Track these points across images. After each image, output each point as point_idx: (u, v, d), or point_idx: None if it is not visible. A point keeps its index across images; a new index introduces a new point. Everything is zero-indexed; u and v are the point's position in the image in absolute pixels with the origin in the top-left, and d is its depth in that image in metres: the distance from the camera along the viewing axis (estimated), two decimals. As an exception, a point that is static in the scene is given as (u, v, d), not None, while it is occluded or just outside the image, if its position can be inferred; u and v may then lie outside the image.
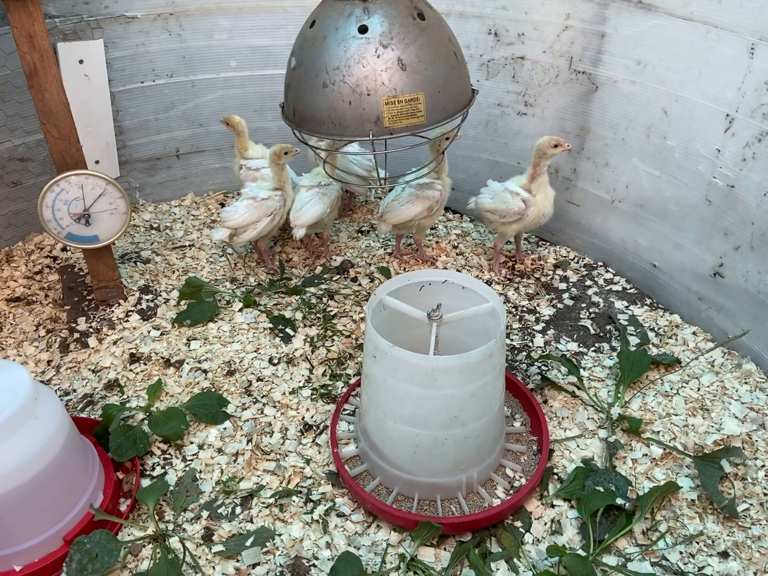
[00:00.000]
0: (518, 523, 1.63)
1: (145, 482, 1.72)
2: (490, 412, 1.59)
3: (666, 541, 1.58)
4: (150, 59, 2.58)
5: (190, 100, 2.72)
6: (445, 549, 1.58)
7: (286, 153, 2.30)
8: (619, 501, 1.62)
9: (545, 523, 1.63)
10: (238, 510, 1.67)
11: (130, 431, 1.76)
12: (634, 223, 2.32)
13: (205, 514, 1.65)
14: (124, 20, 2.48)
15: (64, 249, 2.60)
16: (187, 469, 1.76)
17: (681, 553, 1.55)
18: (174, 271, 2.49)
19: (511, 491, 1.68)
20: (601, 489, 1.64)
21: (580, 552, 1.55)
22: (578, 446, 1.81)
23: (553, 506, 1.67)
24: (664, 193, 2.16)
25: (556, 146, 2.16)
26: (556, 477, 1.73)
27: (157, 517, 1.63)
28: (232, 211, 2.34)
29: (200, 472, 1.76)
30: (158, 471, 1.76)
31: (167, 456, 1.80)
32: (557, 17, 2.23)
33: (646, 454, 1.77)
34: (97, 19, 2.42)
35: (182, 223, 2.78)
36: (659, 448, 1.77)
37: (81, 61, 2.40)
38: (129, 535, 1.59)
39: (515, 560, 1.55)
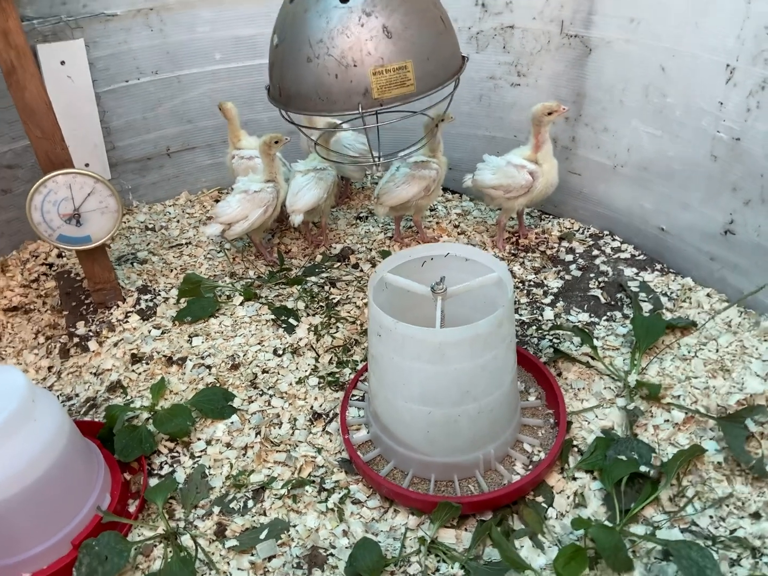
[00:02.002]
0: (540, 499, 1.57)
1: (153, 482, 1.67)
2: (503, 385, 1.53)
3: (694, 506, 1.52)
4: (133, 57, 2.54)
5: (177, 97, 2.67)
6: (466, 530, 1.53)
7: (276, 142, 2.25)
8: (643, 468, 1.56)
9: (568, 497, 1.58)
10: (250, 504, 1.62)
11: (135, 431, 1.72)
12: (639, 187, 2.25)
13: (216, 509, 1.60)
14: (104, 18, 2.43)
15: (59, 255, 2.56)
16: (196, 465, 1.71)
17: (711, 517, 1.49)
18: (172, 270, 2.44)
19: (531, 466, 1.63)
20: (624, 458, 1.59)
21: (607, 523, 1.49)
22: (597, 416, 1.75)
23: (574, 479, 1.61)
24: (667, 153, 2.10)
25: (549, 113, 2.10)
26: (575, 449, 1.68)
27: (167, 516, 1.58)
28: (225, 205, 2.29)
29: (209, 468, 1.71)
30: (166, 470, 1.71)
31: (174, 454, 1.76)
32: (545, -19, 2.17)
33: (668, 420, 1.71)
34: (77, 19, 2.38)
35: (177, 221, 2.74)
36: (681, 412, 1.71)
37: (63, 62, 2.36)
38: (139, 536, 1.54)
39: (539, 536, 1.49)
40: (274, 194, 2.31)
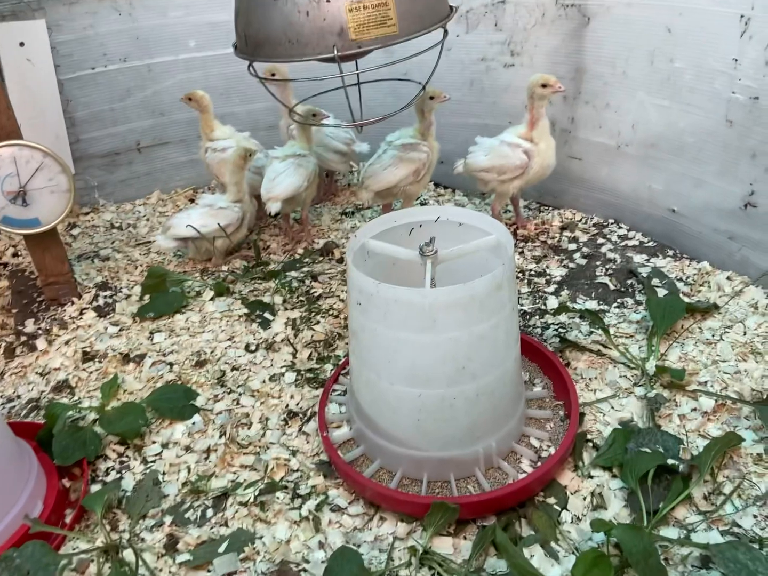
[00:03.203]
0: (551, 500, 1.33)
1: (97, 489, 1.42)
2: (505, 362, 1.31)
3: (734, 504, 1.28)
4: (100, 42, 2.38)
5: (148, 87, 2.50)
6: (464, 538, 1.28)
7: (250, 155, 2.10)
8: (671, 462, 1.33)
9: (584, 498, 1.34)
10: (209, 513, 1.37)
11: (78, 432, 1.48)
12: (646, 167, 2.07)
13: (168, 519, 1.35)
14: (68, 1, 2.28)
15: (15, 255, 2.34)
16: (148, 471, 1.47)
17: (755, 516, 1.26)
18: (137, 267, 2.22)
19: (539, 463, 1.39)
20: (648, 450, 1.35)
21: (633, 526, 1.25)
22: (612, 407, 1.53)
23: (591, 477, 1.37)
24: (677, 125, 1.92)
25: (544, 86, 1.93)
26: (590, 444, 1.44)
27: (109, 527, 1.33)
28: (184, 218, 2.10)
29: (164, 473, 1.46)
30: (113, 476, 1.47)
31: (124, 459, 1.51)
32: (537, -52, 2.03)
33: (695, 408, 1.48)
34: (38, 0, 2.22)
35: (147, 220, 2.53)
36: (710, 399, 1.48)
37: (22, 44, 2.19)
38: (74, 549, 1.29)
39: (552, 544, 1.24)
40: (240, 214, 2.13)
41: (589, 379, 1.61)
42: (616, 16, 1.95)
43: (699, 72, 1.80)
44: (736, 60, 1.70)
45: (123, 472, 1.47)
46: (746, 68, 1.68)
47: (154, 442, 1.54)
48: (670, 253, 2.05)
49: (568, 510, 1.31)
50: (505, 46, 2.25)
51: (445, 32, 1.55)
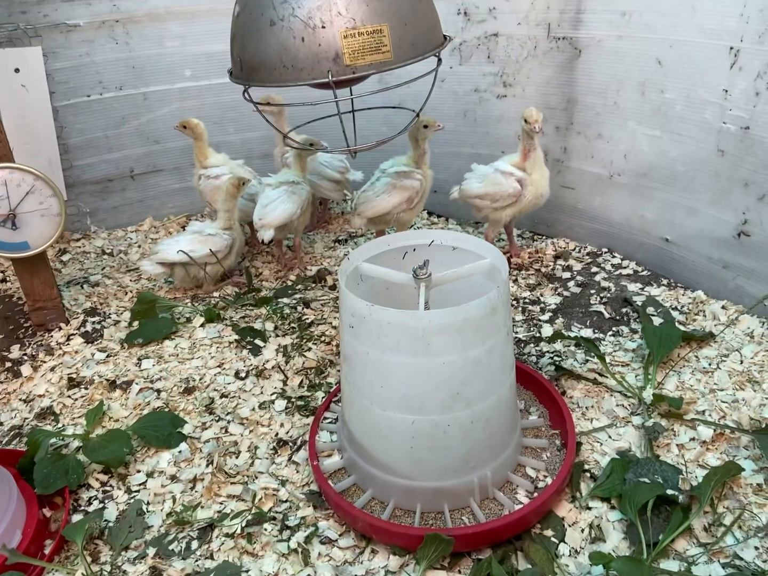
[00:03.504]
0: (549, 532, 1.29)
1: (79, 519, 1.37)
2: (501, 388, 1.28)
3: (735, 536, 1.24)
4: (96, 70, 2.39)
5: (142, 115, 2.51)
6: (459, 572, 1.24)
7: (243, 183, 2.11)
8: (670, 492, 1.29)
9: (582, 530, 1.30)
10: (194, 545, 1.32)
11: (60, 460, 1.43)
12: (638, 196, 2.08)
13: (151, 551, 1.30)
14: (66, 29, 2.30)
15: (3, 280, 2.31)
16: (132, 501, 1.42)
17: (757, 548, 1.23)
18: (127, 293, 2.20)
19: (535, 493, 1.35)
20: (647, 480, 1.32)
21: (633, 558, 1.21)
22: (610, 437, 1.50)
23: (589, 508, 1.34)
24: (669, 155, 1.93)
25: (526, 121, 1.94)
26: (587, 474, 1.41)
27: (90, 559, 1.28)
28: (171, 244, 2.09)
29: (148, 503, 1.42)
30: (96, 506, 1.42)
31: (108, 488, 1.46)
32: (529, -17, 2.07)
33: (694, 438, 1.46)
34: (35, 27, 2.24)
35: (139, 246, 2.51)
36: (708, 428, 1.45)
37: (17, 70, 2.20)
38: (51, 583, 1.23)
39: (550, 577, 1.20)
40: (229, 242, 2.12)
41: (586, 407, 1.59)
42: (606, 48, 1.98)
43: (689, 102, 1.82)
44: (726, 91, 1.72)
45: (106, 501, 1.42)
46: (736, 99, 1.70)
47: (138, 471, 1.50)
48: (665, 282, 2.05)
49: (565, 542, 1.27)
50: (497, 77, 2.27)
51: (439, 60, 1.56)
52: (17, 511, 1.30)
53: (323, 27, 1.35)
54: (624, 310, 1.93)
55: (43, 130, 2.31)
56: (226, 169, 2.28)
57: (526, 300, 2.04)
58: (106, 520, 1.37)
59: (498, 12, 2.17)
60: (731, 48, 1.67)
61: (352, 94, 1.53)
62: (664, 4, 1.78)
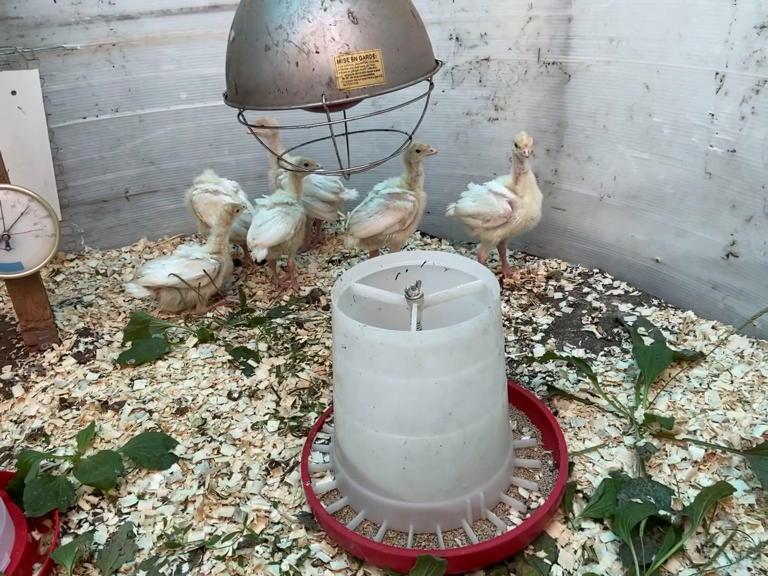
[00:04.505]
0: (541, 554, 1.29)
1: (68, 542, 1.35)
2: (493, 408, 1.29)
3: (728, 556, 1.24)
4: (92, 93, 2.41)
5: (138, 136, 2.53)
6: (452, 594, 1.23)
7: (237, 210, 2.14)
8: (663, 513, 1.29)
9: (575, 551, 1.29)
10: (185, 568, 1.31)
11: (51, 482, 1.42)
12: (628, 217, 2.10)
13: (141, 574, 1.29)
14: (63, 52, 2.32)
15: (-4, 300, 2.31)
16: (122, 523, 1.41)
17: (749, 569, 1.22)
18: (120, 313, 2.20)
19: (528, 514, 1.35)
20: (639, 500, 1.32)
21: (625, 580, 1.21)
22: (602, 457, 1.50)
23: (581, 529, 1.34)
24: (657, 177, 1.96)
25: (516, 146, 1.98)
26: (580, 495, 1.41)
27: (78, 583, 1.26)
28: (157, 267, 2.10)
29: (138, 526, 1.40)
30: (86, 528, 1.40)
31: (98, 510, 1.45)
32: (520, 9, 2.11)
33: (686, 458, 1.46)
34: (33, 50, 2.26)
35: (133, 267, 2.51)
36: (700, 448, 1.46)
37: (14, 92, 2.22)
38: (39, 608, 1.22)
39: (543, 599, 1.20)
40: (216, 266, 2.13)
41: (578, 428, 1.59)
42: (595, 73, 2.01)
43: (677, 126, 1.86)
44: (713, 115, 1.75)
45: (96, 524, 1.41)
46: (722, 122, 1.73)
47: (129, 493, 1.49)
48: (655, 302, 2.06)
49: (558, 564, 1.27)
50: (489, 101, 2.31)
51: (431, 84, 1.58)
52: (6, 534, 1.29)
53: (317, 52, 1.38)
54: (615, 330, 1.95)
55: (39, 152, 2.32)
56: (223, 188, 2.31)
57: (519, 320, 2.05)
58: (96, 543, 1.36)
59: (489, 37, 2.21)
60: (717, 73, 1.71)
61: (345, 117, 1.55)
62: (651, 30, 1.82)
